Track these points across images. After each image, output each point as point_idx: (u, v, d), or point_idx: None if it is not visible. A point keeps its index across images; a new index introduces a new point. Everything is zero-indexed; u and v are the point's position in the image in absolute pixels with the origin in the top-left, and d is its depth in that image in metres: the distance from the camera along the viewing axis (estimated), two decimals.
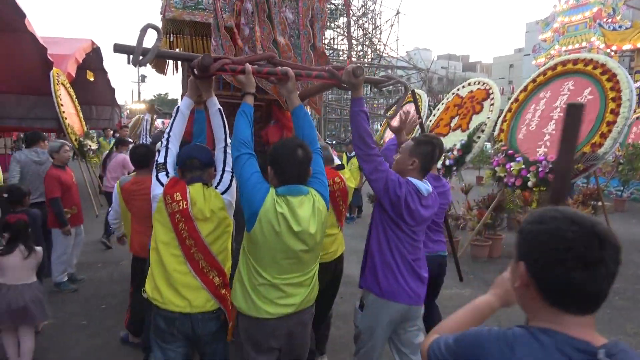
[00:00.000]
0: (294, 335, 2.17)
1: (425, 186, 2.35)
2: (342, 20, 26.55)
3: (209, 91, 2.37)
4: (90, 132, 10.31)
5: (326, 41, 24.98)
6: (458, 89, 8.07)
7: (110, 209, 3.95)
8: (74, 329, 4.08)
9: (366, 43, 26.24)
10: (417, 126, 3.97)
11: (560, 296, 0.95)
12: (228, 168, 2.26)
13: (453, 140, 7.33)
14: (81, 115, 9.84)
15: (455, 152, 6.96)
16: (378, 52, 26.06)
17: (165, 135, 2.32)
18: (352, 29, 26.92)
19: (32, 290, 3.23)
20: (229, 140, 2.30)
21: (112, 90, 13.97)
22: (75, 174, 6.64)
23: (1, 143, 10.78)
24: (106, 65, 12.56)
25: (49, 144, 4.97)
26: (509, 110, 6.56)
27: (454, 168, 7.01)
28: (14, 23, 7.34)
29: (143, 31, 2.10)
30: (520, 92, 6.54)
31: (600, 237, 0.92)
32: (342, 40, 27.18)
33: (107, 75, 13.14)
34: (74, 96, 9.64)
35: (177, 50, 3.19)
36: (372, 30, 27.54)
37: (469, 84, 7.86)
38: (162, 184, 2.18)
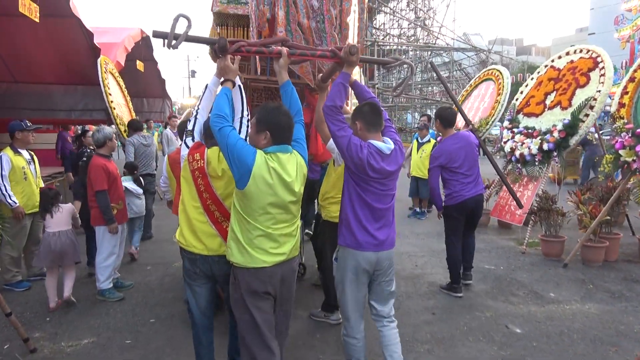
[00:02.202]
0: (286, 281, 2.44)
1: (386, 145, 2.56)
2: (393, 4, 25.20)
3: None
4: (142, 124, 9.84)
5: (378, 24, 23.81)
6: (552, 60, 6.83)
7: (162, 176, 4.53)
8: (117, 349, 3.40)
9: (419, 24, 24.74)
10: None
11: None
12: (242, 135, 2.54)
13: (551, 120, 6.16)
14: (131, 105, 9.38)
15: (556, 134, 5.80)
16: (433, 35, 24.51)
17: (196, 108, 2.75)
18: (404, 12, 25.51)
19: (67, 236, 4.09)
20: (245, 113, 2.63)
21: (163, 81, 13.60)
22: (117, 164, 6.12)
23: (49, 138, 10.30)
24: (157, 57, 12.14)
25: (94, 134, 4.34)
26: (631, 79, 5.31)
27: (555, 153, 5.85)
28: (59, 7, 6.89)
29: (175, 20, 2.47)
30: None
31: None
32: (393, 24, 25.84)
33: (157, 66, 12.75)
34: (124, 86, 9.18)
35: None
36: (426, 12, 26.01)
37: (567, 54, 6.60)
38: (187, 147, 2.63)
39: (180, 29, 2.48)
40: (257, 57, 3.07)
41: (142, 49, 10.93)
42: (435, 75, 26.81)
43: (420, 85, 26.89)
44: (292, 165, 2.30)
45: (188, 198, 2.57)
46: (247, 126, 2.58)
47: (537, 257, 5.52)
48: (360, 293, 2.67)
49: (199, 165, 2.49)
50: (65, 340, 3.51)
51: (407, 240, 6.40)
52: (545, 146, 5.86)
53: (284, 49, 2.59)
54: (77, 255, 4.15)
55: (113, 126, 8.45)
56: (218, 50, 2.50)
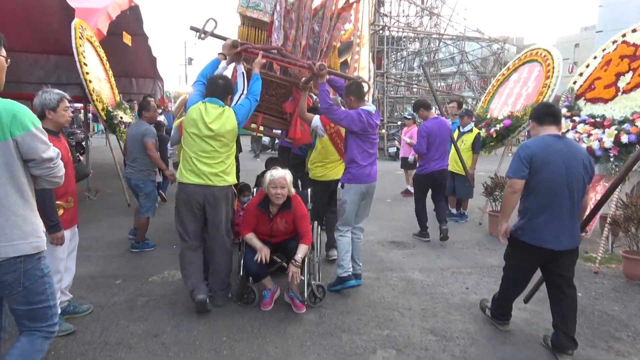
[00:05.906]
0: (209, 203, 3.42)
1: (372, 107, 3.84)
2: None
3: (239, 61, 3.83)
4: (125, 103, 8.52)
5: (387, 10, 22.55)
6: (624, 35, 5.60)
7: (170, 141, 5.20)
8: None
9: (426, 12, 23.49)
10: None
11: (544, 120, 2.99)
12: (233, 103, 3.63)
13: (628, 106, 4.96)
14: (113, 81, 8.07)
15: (639, 123, 4.60)
16: (442, 21, 23.31)
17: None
18: (407, 3, 24.23)
19: None
20: (244, 91, 3.69)
21: (154, 59, 12.19)
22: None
23: None
24: (148, 34, 10.74)
25: (40, 94, 2.99)
26: None
27: (638, 147, 4.65)
28: None
29: (207, 20, 3.86)
30: None
31: (551, 105, 3.24)
32: (399, 12, 24.60)
33: (147, 42, 11.36)
34: (105, 58, 7.88)
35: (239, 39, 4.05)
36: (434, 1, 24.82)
37: None
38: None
39: (209, 27, 3.81)
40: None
41: (130, 20, 9.54)
42: (441, 70, 25.80)
43: (422, 78, 25.66)
44: (215, 112, 3.38)
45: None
46: (239, 99, 3.61)
47: (618, 280, 4.31)
48: (354, 209, 3.85)
49: None
50: None
51: (444, 252, 5.18)
52: (624, 138, 4.67)
53: (261, 53, 3.78)
54: None
55: (90, 105, 7.23)
56: (230, 46, 3.71)
